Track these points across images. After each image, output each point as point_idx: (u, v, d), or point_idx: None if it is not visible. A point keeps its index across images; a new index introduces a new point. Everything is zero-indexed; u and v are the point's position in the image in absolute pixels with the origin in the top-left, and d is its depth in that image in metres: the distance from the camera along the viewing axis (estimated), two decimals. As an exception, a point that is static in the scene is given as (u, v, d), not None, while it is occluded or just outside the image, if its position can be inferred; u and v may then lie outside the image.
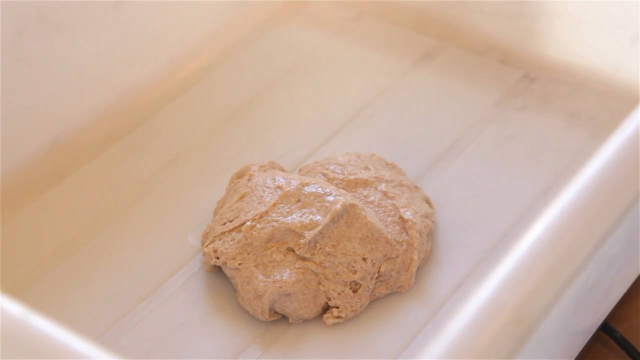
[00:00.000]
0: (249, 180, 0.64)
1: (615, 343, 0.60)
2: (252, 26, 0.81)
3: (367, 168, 0.65)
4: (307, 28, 0.81)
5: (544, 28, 0.75)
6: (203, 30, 0.79)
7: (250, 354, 0.58)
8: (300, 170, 0.66)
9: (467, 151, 0.70)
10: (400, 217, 0.61)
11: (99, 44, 0.71)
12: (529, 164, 0.68)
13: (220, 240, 0.61)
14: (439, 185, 0.67)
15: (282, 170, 0.66)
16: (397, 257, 0.60)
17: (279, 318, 0.59)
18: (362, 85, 0.76)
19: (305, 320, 0.59)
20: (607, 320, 0.60)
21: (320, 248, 0.59)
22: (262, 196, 0.61)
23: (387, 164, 0.66)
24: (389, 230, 0.61)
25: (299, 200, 0.60)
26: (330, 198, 0.60)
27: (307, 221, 0.59)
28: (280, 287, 0.58)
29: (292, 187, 0.61)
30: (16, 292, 0.57)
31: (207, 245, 0.61)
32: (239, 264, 0.59)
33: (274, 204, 0.60)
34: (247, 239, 0.60)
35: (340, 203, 0.59)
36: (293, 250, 0.59)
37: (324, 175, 0.64)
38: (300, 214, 0.60)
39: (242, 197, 0.62)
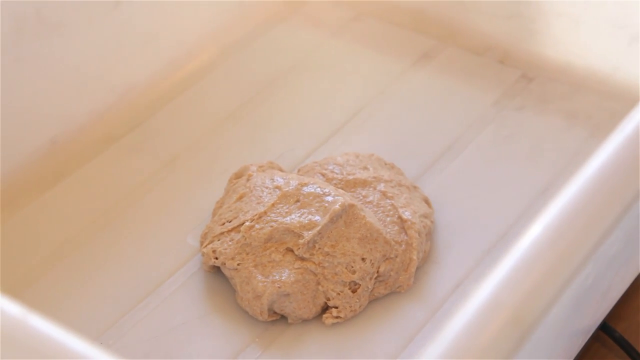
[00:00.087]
0: (248, 180, 0.64)
1: (614, 342, 0.60)
2: (251, 26, 0.81)
3: (365, 168, 0.65)
4: (306, 28, 0.81)
5: (542, 28, 0.75)
6: (202, 31, 0.79)
7: (249, 354, 0.58)
8: (299, 171, 0.66)
9: (465, 151, 0.70)
10: (399, 217, 0.61)
11: (98, 44, 0.71)
12: (527, 164, 0.68)
13: (219, 240, 0.61)
14: (438, 185, 0.67)
15: (281, 170, 0.66)
16: (396, 257, 0.60)
17: (278, 318, 0.60)
18: (360, 85, 0.76)
19: (305, 320, 0.59)
20: (606, 319, 0.60)
21: (319, 248, 0.59)
22: (260, 196, 0.61)
23: (385, 164, 0.66)
24: (388, 230, 0.61)
25: (297, 201, 0.60)
26: (329, 198, 0.60)
27: (306, 221, 0.59)
28: (279, 287, 0.58)
29: (290, 188, 0.61)
30: (15, 292, 0.57)
31: (206, 246, 0.61)
32: (238, 264, 0.59)
33: (273, 204, 0.60)
34: (246, 239, 0.60)
35: (339, 203, 0.59)
36: (292, 251, 0.59)
37: (323, 175, 0.64)
38: (299, 214, 0.60)
39: (240, 198, 0.62)
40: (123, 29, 0.73)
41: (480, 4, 0.77)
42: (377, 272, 0.60)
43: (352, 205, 0.60)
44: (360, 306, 0.59)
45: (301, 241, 0.59)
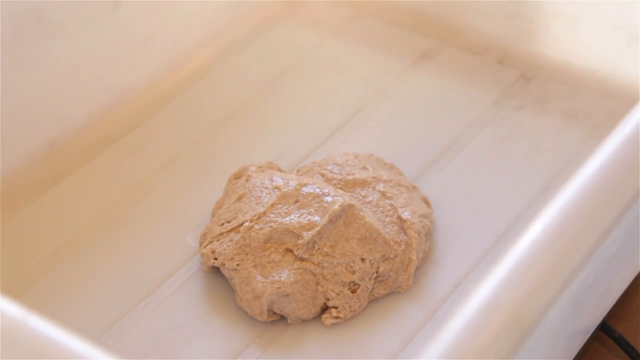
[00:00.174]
0: (247, 181, 0.64)
1: (614, 342, 0.61)
2: (250, 26, 0.81)
3: (365, 168, 0.65)
4: (305, 28, 0.81)
5: (541, 28, 0.75)
6: (201, 31, 0.79)
7: (249, 354, 0.58)
8: (298, 171, 0.66)
9: (464, 151, 0.70)
10: (399, 217, 0.61)
11: (97, 44, 0.71)
12: (526, 164, 0.68)
13: (218, 241, 0.61)
14: (437, 185, 0.67)
15: (280, 170, 0.66)
16: (396, 257, 0.60)
17: (278, 318, 0.60)
18: (359, 85, 0.76)
19: (304, 321, 0.59)
20: (606, 319, 0.60)
21: (319, 248, 0.59)
22: (260, 197, 0.61)
23: (385, 164, 0.66)
24: (387, 230, 0.61)
25: (297, 201, 0.60)
26: (328, 198, 0.60)
27: (305, 222, 0.59)
28: (278, 288, 0.58)
29: (290, 188, 0.61)
30: (15, 292, 0.57)
31: (205, 246, 0.61)
32: (237, 265, 0.59)
33: (272, 205, 0.60)
34: (245, 239, 0.60)
35: (339, 203, 0.59)
36: (291, 251, 0.59)
37: (322, 175, 0.64)
38: (298, 215, 0.60)
39: (240, 198, 0.62)
40: (122, 30, 0.73)
41: (479, 4, 0.77)
42: (377, 272, 0.60)
43: (351, 206, 0.60)
44: (359, 306, 0.59)
45: (300, 241, 0.59)
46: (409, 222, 0.61)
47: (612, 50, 0.72)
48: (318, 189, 0.61)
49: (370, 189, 0.63)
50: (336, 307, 0.59)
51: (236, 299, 0.60)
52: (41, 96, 0.69)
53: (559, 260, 0.42)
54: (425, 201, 0.65)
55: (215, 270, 0.62)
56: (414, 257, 0.60)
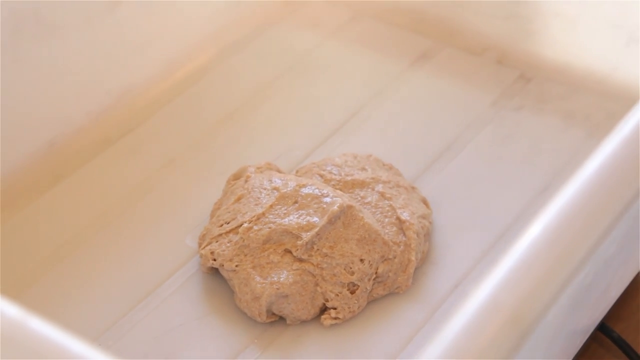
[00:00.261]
0: (246, 181, 0.64)
1: (613, 343, 0.60)
2: (249, 27, 0.81)
3: (364, 169, 0.65)
4: (304, 29, 0.81)
5: (540, 28, 0.75)
6: (199, 32, 0.79)
7: (248, 355, 0.58)
8: (297, 172, 0.66)
9: (463, 152, 0.70)
10: (398, 218, 0.61)
11: (96, 45, 0.71)
12: (525, 164, 0.68)
13: (217, 242, 0.61)
14: (436, 186, 0.67)
15: (279, 171, 0.66)
16: (395, 258, 0.60)
17: (277, 319, 0.59)
18: (358, 86, 0.76)
19: (303, 322, 0.59)
20: (605, 320, 0.60)
21: (318, 249, 0.59)
22: (259, 198, 0.61)
23: (384, 165, 0.66)
24: (386, 231, 0.61)
25: (296, 202, 0.60)
26: (327, 199, 0.60)
27: (304, 222, 0.59)
28: (277, 289, 0.58)
29: (289, 189, 0.61)
30: (15, 292, 0.57)
31: (204, 247, 0.61)
32: (236, 266, 0.59)
33: (271, 206, 0.60)
34: (244, 240, 0.60)
35: (337, 204, 0.59)
36: (290, 252, 0.59)
37: (321, 176, 0.64)
38: (297, 216, 0.60)
39: (239, 199, 0.62)
40: (121, 31, 0.73)
41: (478, 5, 0.77)
42: (376, 273, 0.60)
43: (350, 207, 0.60)
44: (358, 307, 0.59)
45: (299, 242, 0.59)
46: (407, 223, 0.61)
47: (611, 50, 0.72)
48: (317, 190, 0.61)
49: (369, 190, 0.63)
50: (335, 308, 0.59)
51: (235, 299, 0.60)
52: (40, 97, 0.69)
53: (558, 260, 0.42)
54: (424, 202, 0.65)
55: (214, 271, 0.62)
56: (413, 258, 0.60)
